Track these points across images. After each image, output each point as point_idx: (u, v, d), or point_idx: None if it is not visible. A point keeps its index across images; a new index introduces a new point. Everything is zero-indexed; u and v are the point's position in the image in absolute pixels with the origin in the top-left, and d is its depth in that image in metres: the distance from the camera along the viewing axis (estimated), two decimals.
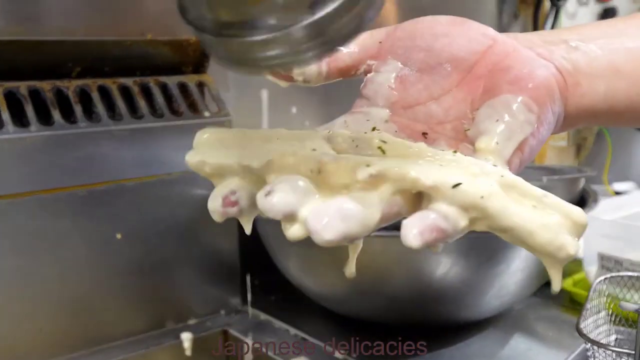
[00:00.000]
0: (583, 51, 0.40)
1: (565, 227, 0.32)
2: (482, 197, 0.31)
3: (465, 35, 0.39)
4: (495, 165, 0.34)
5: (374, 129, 0.36)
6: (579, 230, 0.32)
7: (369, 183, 0.31)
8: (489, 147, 0.35)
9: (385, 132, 0.36)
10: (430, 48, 0.39)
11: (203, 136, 0.36)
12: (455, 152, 0.34)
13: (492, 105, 0.37)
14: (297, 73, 0.37)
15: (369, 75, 0.40)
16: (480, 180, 0.31)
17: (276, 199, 0.30)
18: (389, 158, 0.33)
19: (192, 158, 0.35)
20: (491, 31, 0.40)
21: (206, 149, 0.35)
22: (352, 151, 0.34)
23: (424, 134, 0.38)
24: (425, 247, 0.30)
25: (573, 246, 0.31)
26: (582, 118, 0.41)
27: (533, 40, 0.40)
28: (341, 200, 0.30)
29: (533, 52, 0.39)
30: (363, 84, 0.40)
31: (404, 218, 0.31)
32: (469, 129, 0.37)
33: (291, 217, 0.31)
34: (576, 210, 0.32)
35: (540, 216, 0.32)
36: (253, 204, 0.33)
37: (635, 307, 0.49)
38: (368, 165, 0.31)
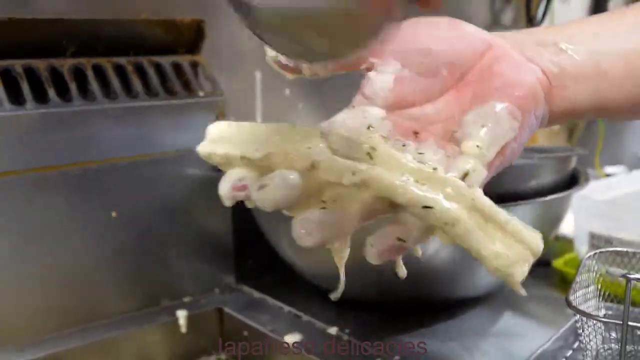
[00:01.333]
0: (570, 54, 0.41)
1: (520, 255, 0.36)
2: (446, 223, 0.35)
3: (463, 42, 0.41)
4: (470, 187, 0.37)
5: (369, 127, 0.38)
6: (534, 255, 0.37)
7: (353, 187, 0.36)
8: (473, 151, 0.38)
9: (380, 129, 0.39)
10: (429, 52, 0.40)
11: (214, 129, 0.40)
12: (435, 168, 0.37)
13: (479, 111, 0.39)
14: (305, 67, 0.40)
15: (369, 73, 0.41)
16: (450, 205, 0.35)
17: (267, 194, 0.35)
18: (374, 167, 0.37)
19: (203, 149, 0.40)
20: (487, 35, 0.41)
21: (216, 141, 0.40)
22: (345, 151, 0.37)
23: (416, 133, 0.40)
24: (386, 262, 0.37)
25: (520, 275, 0.36)
26: (566, 116, 0.43)
27: (525, 41, 0.42)
28: (321, 212, 0.36)
29: (523, 56, 0.41)
30: (363, 82, 0.41)
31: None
32: (456, 131, 0.39)
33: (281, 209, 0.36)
34: (533, 237, 0.37)
35: (498, 245, 0.36)
36: None
37: (622, 272, 0.50)
38: (354, 173, 0.36)
